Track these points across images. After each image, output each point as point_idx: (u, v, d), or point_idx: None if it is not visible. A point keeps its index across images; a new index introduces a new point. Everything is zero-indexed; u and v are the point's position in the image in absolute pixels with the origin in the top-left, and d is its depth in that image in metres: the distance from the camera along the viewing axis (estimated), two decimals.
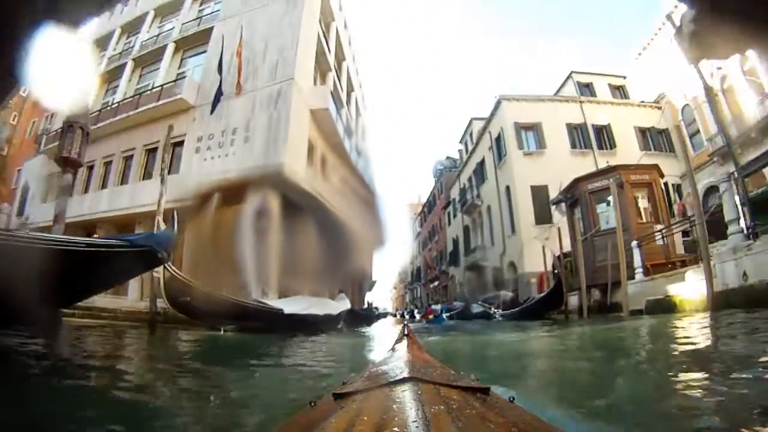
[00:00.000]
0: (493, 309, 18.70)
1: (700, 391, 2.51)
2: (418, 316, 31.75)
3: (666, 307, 8.38)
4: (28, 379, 3.34)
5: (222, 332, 9.86)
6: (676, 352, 4.34)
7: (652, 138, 26.22)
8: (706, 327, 5.87)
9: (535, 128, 25.91)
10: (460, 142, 37.42)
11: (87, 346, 5.96)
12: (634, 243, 11.98)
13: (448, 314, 25.64)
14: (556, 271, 15.10)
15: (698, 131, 23.96)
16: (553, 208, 22.60)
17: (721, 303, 6.97)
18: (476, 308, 21.29)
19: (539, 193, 23.82)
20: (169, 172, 16.92)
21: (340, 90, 25.46)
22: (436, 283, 45.85)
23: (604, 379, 3.45)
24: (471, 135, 34.14)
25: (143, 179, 17.77)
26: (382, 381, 1.18)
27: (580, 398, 2.68)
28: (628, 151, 24.12)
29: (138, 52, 21.40)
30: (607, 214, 13.58)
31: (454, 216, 37.96)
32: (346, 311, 15.03)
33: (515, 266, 23.64)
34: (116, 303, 13.12)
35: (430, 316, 28.26)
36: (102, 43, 23.99)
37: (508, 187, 25.43)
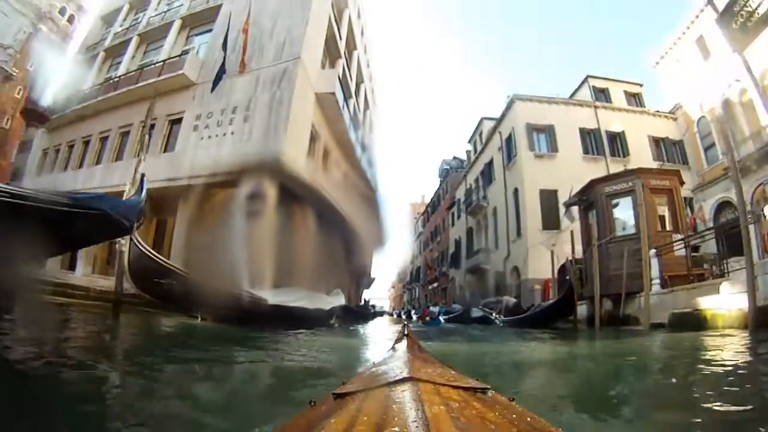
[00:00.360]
0: (494, 314, 17.81)
1: None
2: (414, 317, 31.06)
3: (694, 322, 7.57)
4: None
5: (199, 321, 9.12)
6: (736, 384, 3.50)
7: (666, 148, 25.78)
8: (753, 348, 5.04)
9: (547, 131, 25.17)
10: (469, 141, 36.60)
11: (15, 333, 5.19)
12: (652, 252, 11.20)
13: (446, 317, 24.91)
14: (567, 278, 14.36)
15: (713, 144, 23.41)
16: (562, 213, 21.83)
17: (760, 319, 6.18)
18: (476, 312, 20.53)
19: (548, 198, 23.07)
20: (165, 150, 16.56)
21: (349, 79, 24.73)
22: (435, 285, 45.05)
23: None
24: (480, 135, 33.33)
25: (137, 156, 17.01)
26: (382, 381, 1.19)
27: None
28: (641, 159, 23.48)
29: (144, 28, 20.87)
30: (624, 220, 12.78)
31: (458, 217, 37.15)
32: (340, 307, 14.31)
33: (519, 271, 22.84)
34: (93, 281, 12.39)
35: (427, 318, 27.70)
36: (109, 18, 23.53)
37: (516, 190, 24.61)
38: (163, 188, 14.27)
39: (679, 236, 11.94)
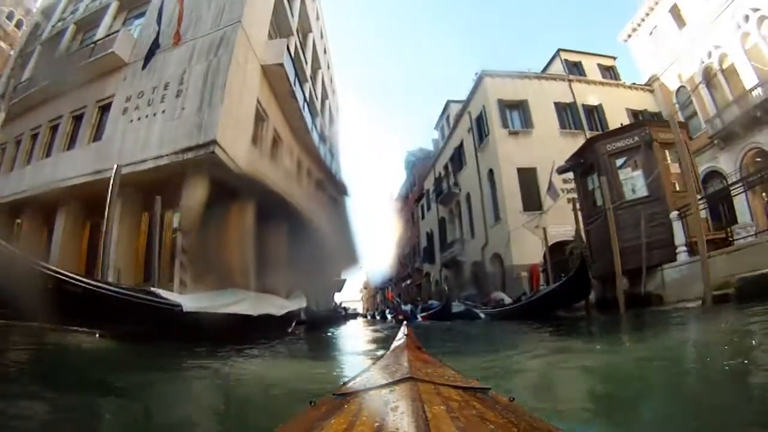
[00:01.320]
0: (481, 308, 15.57)
1: None
2: (389, 317, 28.93)
3: None
4: None
5: (97, 337, 6.57)
6: None
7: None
8: None
9: (520, 106, 23.40)
10: (435, 127, 34.52)
11: None
12: (674, 214, 9.22)
13: (423, 314, 22.67)
14: (569, 254, 12.32)
15: (695, 114, 22.55)
16: (544, 191, 19.96)
17: None
18: (457, 307, 18.35)
19: (527, 176, 21.25)
20: (93, 139, 13.97)
21: (304, 63, 22.48)
22: (408, 282, 42.81)
23: None
24: (447, 119, 31.28)
25: (67, 149, 14.75)
26: (381, 381, 1.19)
27: None
28: None
29: (81, 15, 18.52)
30: (633, 182, 10.75)
31: (428, 209, 35.00)
32: (302, 312, 11.90)
33: (501, 259, 20.77)
34: None
35: (400, 317, 25.40)
36: (49, 11, 21.36)
37: (491, 171, 22.59)
38: (91, 183, 12.18)
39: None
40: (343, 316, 24.80)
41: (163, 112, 12.34)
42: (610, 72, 26.88)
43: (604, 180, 10.44)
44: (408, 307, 29.01)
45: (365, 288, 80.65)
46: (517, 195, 20.78)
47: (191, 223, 10.94)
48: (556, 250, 19.70)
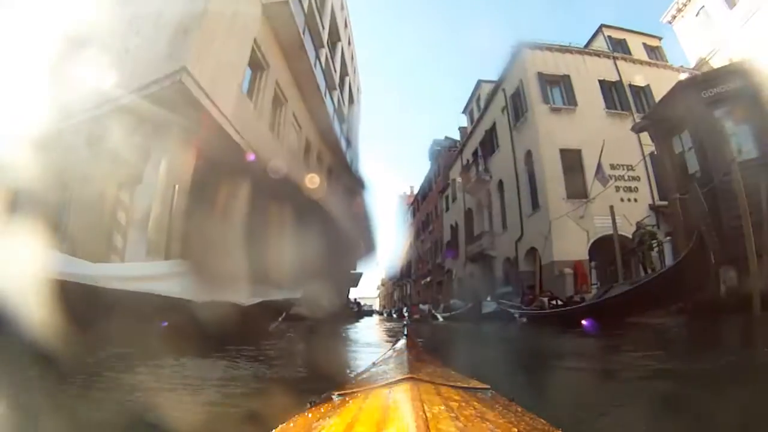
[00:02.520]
0: (523, 308, 12.61)
1: None
2: (406, 316, 26.50)
3: None
4: None
5: None
6: None
7: None
8: None
9: (562, 82, 20.57)
10: (464, 111, 31.64)
11: None
12: None
13: (445, 314, 20.01)
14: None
15: None
16: (590, 176, 17.14)
17: None
18: (488, 306, 15.64)
19: (570, 160, 18.54)
20: None
21: (321, 28, 20.10)
22: (428, 279, 39.98)
23: None
24: (478, 100, 28.46)
25: None
26: (381, 381, 1.20)
27: None
28: None
29: None
30: (738, 139, 7.93)
31: (454, 200, 32.17)
32: (292, 305, 9.35)
33: (538, 254, 17.93)
34: None
35: (416, 316, 23.19)
36: None
37: (529, 153, 19.75)
38: None
39: None
40: (356, 312, 22.21)
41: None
42: (655, 53, 24.01)
43: (697, 139, 7.64)
44: (426, 307, 27.76)
45: (383, 285, 78.37)
46: (560, 179, 17.97)
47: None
48: (601, 246, 16.95)
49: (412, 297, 45.09)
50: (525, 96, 20.45)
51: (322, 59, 19.24)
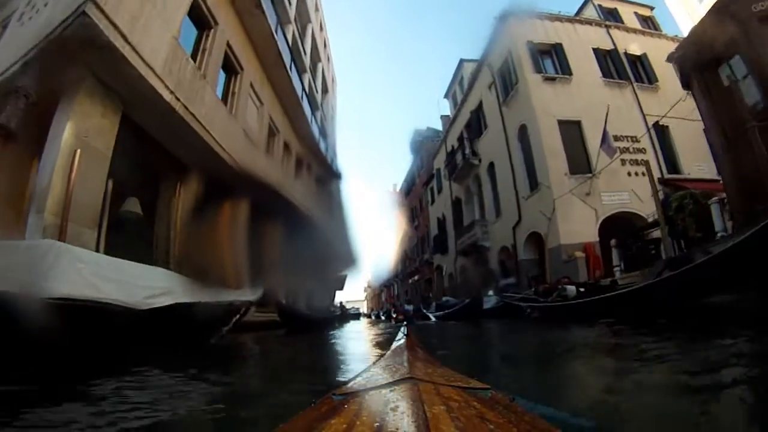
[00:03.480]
0: (536, 300, 10.30)
1: None
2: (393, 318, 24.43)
3: None
4: None
5: None
6: None
7: None
8: None
9: (553, 51, 18.65)
10: (446, 95, 29.52)
11: None
12: None
13: (438, 313, 17.85)
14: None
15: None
16: (593, 149, 15.21)
17: None
18: (489, 301, 13.50)
19: (569, 132, 16.62)
20: None
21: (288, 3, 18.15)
22: (416, 278, 37.79)
23: None
24: (461, 81, 26.41)
25: None
26: (382, 381, 1.20)
27: None
28: (671, 87, 17.62)
29: None
30: None
31: (439, 191, 30.03)
32: (244, 308, 7.07)
33: (541, 239, 15.86)
34: None
35: (400, 317, 21.23)
36: None
37: (523, 128, 17.69)
38: None
39: None
40: (338, 316, 19.86)
41: None
42: (648, 22, 22.30)
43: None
44: (410, 307, 26.08)
45: (369, 287, 76.41)
46: (561, 154, 15.95)
47: None
48: (610, 225, 14.98)
49: (400, 297, 42.94)
50: (514, 67, 18.45)
51: (289, 34, 17.29)
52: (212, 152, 9.58)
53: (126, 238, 7.80)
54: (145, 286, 4.43)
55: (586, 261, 13.41)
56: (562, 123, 16.49)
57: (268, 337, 9.71)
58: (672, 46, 20.53)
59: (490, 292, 13.88)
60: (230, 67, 11.52)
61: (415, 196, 38.41)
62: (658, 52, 19.50)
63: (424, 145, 35.94)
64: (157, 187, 9.66)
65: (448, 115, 30.46)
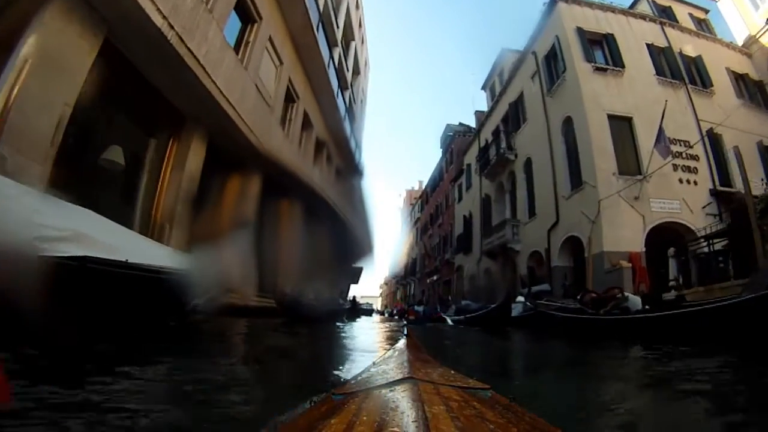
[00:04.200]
0: (575, 312, 8.65)
1: None
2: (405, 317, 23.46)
3: None
4: None
5: None
6: None
7: (748, 88, 18.29)
8: None
9: (605, 42, 17.07)
10: (483, 87, 27.84)
11: None
12: None
13: (458, 317, 16.37)
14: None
15: None
16: (646, 149, 13.65)
17: None
18: (519, 307, 11.94)
19: (620, 129, 15.01)
20: None
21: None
22: (435, 278, 36.19)
23: None
24: (501, 73, 24.74)
25: None
26: (381, 381, 1.19)
27: None
28: (726, 94, 17.25)
29: None
30: None
31: (468, 188, 28.38)
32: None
33: (580, 244, 14.23)
34: None
35: (411, 317, 21.57)
36: None
37: (568, 120, 16.04)
38: None
39: None
40: (348, 310, 18.45)
41: None
42: (702, 25, 20.78)
43: None
44: (421, 308, 25.72)
45: (385, 284, 75.21)
46: (609, 151, 14.33)
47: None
48: (656, 237, 13.33)
49: (416, 296, 41.50)
50: (563, 54, 16.81)
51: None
52: (216, 105, 8.30)
53: (99, 190, 6.54)
54: (44, 224, 3.03)
55: (634, 272, 11.77)
56: (612, 118, 14.90)
57: (259, 325, 8.39)
58: (726, 53, 19.05)
59: (519, 298, 12.26)
60: (246, 12, 10.21)
61: (441, 192, 36.81)
62: (712, 57, 18.26)
63: (455, 140, 34.32)
64: (146, 139, 8.42)
65: (483, 111, 28.89)
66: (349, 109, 21.68)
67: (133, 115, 7.72)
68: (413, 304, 32.38)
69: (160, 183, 8.55)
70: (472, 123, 33.09)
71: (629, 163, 14.31)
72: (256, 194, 11.01)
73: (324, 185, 16.70)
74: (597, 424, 2.02)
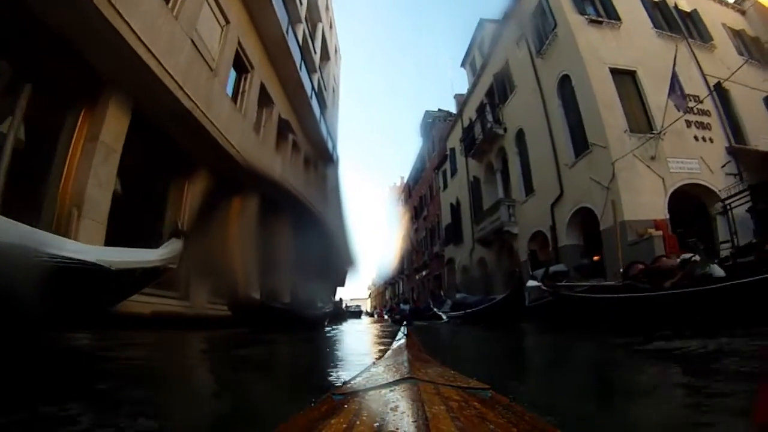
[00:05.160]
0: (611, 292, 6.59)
1: None
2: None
3: None
4: None
5: None
6: None
7: (746, 44, 17.04)
8: None
9: None
10: (462, 65, 25.87)
11: None
12: None
13: (455, 313, 14.31)
14: None
15: None
16: (658, 102, 11.95)
17: None
18: (535, 291, 9.77)
19: (625, 84, 13.18)
20: None
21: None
22: (424, 273, 34.19)
23: None
24: (481, 45, 22.83)
25: None
26: (381, 381, 1.16)
27: None
28: (727, 50, 15.95)
29: None
30: None
31: (453, 174, 26.35)
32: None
33: (593, 217, 12.32)
34: None
35: (396, 316, 20.65)
36: None
37: (564, 79, 14.15)
38: None
39: None
40: (332, 313, 16.29)
41: None
42: None
43: None
44: (407, 307, 24.40)
45: (374, 285, 73.36)
46: (617, 106, 12.51)
47: None
48: (678, 200, 11.59)
49: (406, 295, 39.50)
50: (551, 10, 14.91)
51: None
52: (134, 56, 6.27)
53: None
54: None
55: (664, 240, 9.86)
56: (614, 72, 13.07)
57: (205, 338, 6.28)
58: (720, 8, 17.57)
59: (531, 282, 10.06)
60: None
61: (425, 183, 34.82)
62: (708, 11, 16.89)
63: (436, 125, 32.40)
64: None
65: (462, 94, 26.96)
66: (319, 95, 19.55)
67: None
68: (398, 303, 30.46)
69: (68, 159, 6.50)
70: (452, 109, 31.24)
71: (639, 121, 12.55)
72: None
73: (289, 175, 14.83)
74: None
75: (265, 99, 13.16)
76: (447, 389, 1.01)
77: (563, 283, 8.76)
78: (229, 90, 10.61)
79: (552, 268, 9.78)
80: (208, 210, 9.11)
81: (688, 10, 16.35)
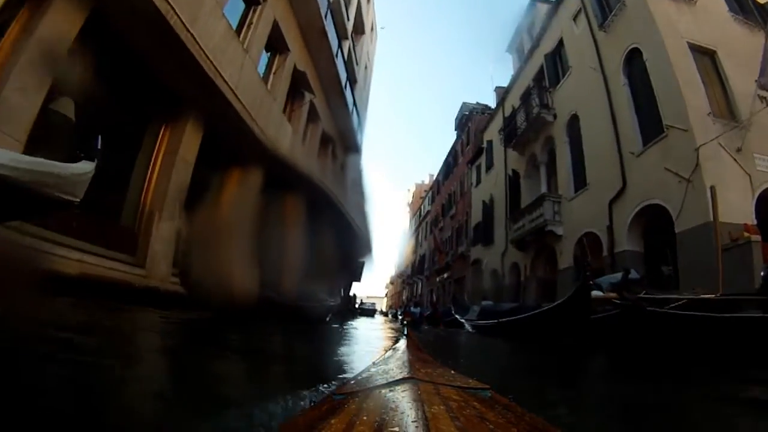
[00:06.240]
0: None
1: None
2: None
3: None
4: None
5: None
6: None
7: None
8: None
9: None
10: (508, 50, 23.77)
11: None
12: None
13: (485, 322, 12.35)
14: None
15: None
16: (745, 85, 9.82)
17: None
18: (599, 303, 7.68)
19: (703, 64, 11.09)
20: None
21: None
22: (445, 275, 32.02)
23: None
24: (530, 28, 20.72)
25: None
26: (382, 381, 1.18)
27: None
28: None
29: None
30: None
31: (488, 168, 24.19)
32: None
33: (663, 217, 10.18)
34: None
35: (408, 318, 19.47)
36: None
37: (633, 53, 12.06)
38: None
39: None
40: (339, 307, 14.48)
41: None
42: None
43: None
44: (417, 310, 24.77)
45: (391, 284, 71.64)
46: (699, 86, 10.36)
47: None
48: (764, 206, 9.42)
49: (424, 296, 37.51)
50: None
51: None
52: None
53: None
54: None
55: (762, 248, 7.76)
56: (695, 47, 10.97)
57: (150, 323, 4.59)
58: None
59: (595, 293, 7.89)
60: None
61: (455, 179, 32.70)
62: None
63: (473, 118, 30.30)
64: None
65: (503, 87, 24.82)
66: (348, 64, 17.73)
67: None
68: (410, 307, 28.76)
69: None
70: (491, 104, 29.14)
71: (720, 107, 10.42)
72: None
73: (300, 147, 13.65)
74: None
75: (276, 38, 11.20)
76: (447, 389, 1.03)
77: (644, 295, 6.70)
78: (231, 16, 8.66)
79: (607, 279, 7.75)
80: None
81: (763, 1, 14.08)
